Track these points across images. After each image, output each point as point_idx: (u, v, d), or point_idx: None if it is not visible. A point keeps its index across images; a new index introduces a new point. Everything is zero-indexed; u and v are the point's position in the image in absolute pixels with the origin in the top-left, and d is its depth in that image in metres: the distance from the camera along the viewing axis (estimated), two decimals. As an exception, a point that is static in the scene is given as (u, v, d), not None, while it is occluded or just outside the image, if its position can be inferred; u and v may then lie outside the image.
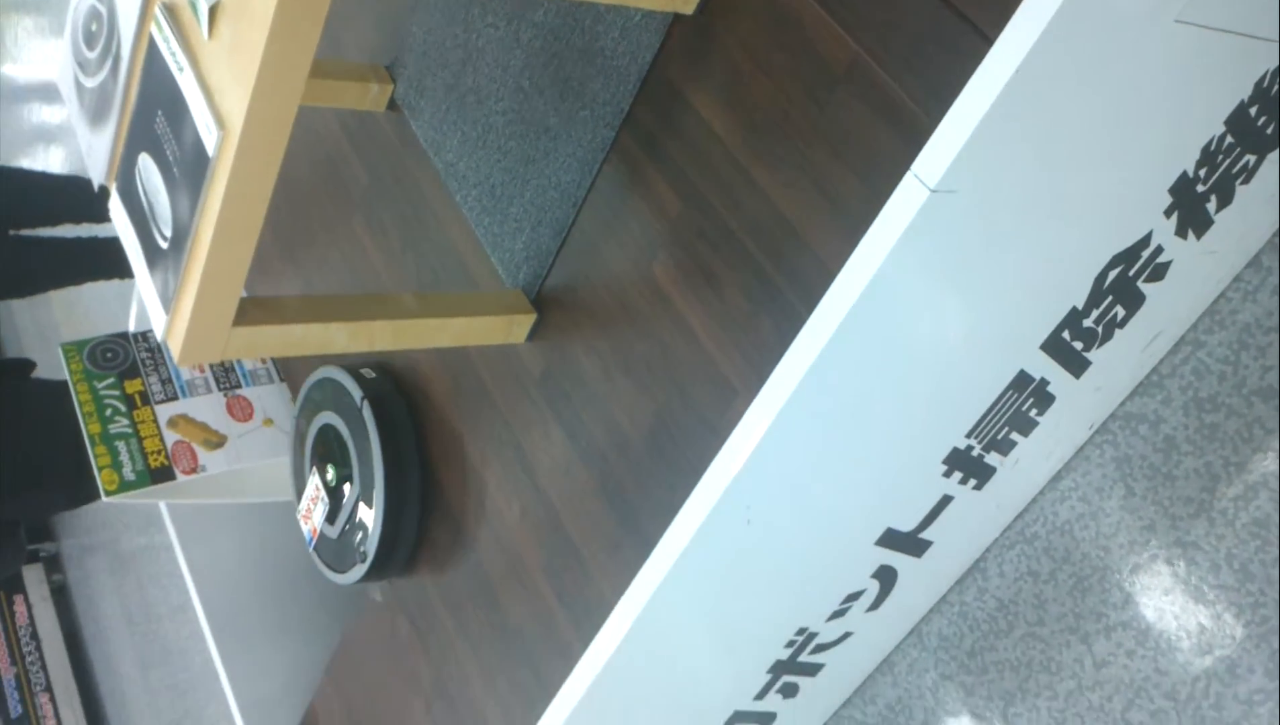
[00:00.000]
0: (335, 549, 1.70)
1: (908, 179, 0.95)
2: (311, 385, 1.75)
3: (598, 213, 1.36)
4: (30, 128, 5.78)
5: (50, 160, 5.31)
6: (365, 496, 1.61)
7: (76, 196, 3.17)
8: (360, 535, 1.63)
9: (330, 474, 1.71)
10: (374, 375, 1.66)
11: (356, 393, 1.62)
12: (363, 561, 1.62)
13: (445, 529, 1.64)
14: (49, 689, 5.35)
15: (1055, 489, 1.55)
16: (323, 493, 1.72)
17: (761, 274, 1.17)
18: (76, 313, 4.79)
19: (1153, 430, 1.46)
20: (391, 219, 1.67)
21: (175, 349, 1.23)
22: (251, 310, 1.25)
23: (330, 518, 1.71)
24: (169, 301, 1.22)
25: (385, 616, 1.79)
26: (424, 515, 1.63)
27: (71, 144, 4.94)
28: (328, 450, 1.71)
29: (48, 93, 5.51)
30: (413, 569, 1.70)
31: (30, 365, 2.92)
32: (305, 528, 1.76)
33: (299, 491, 1.81)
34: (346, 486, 1.66)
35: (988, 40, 0.94)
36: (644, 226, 1.30)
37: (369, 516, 1.61)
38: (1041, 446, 1.43)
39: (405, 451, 1.62)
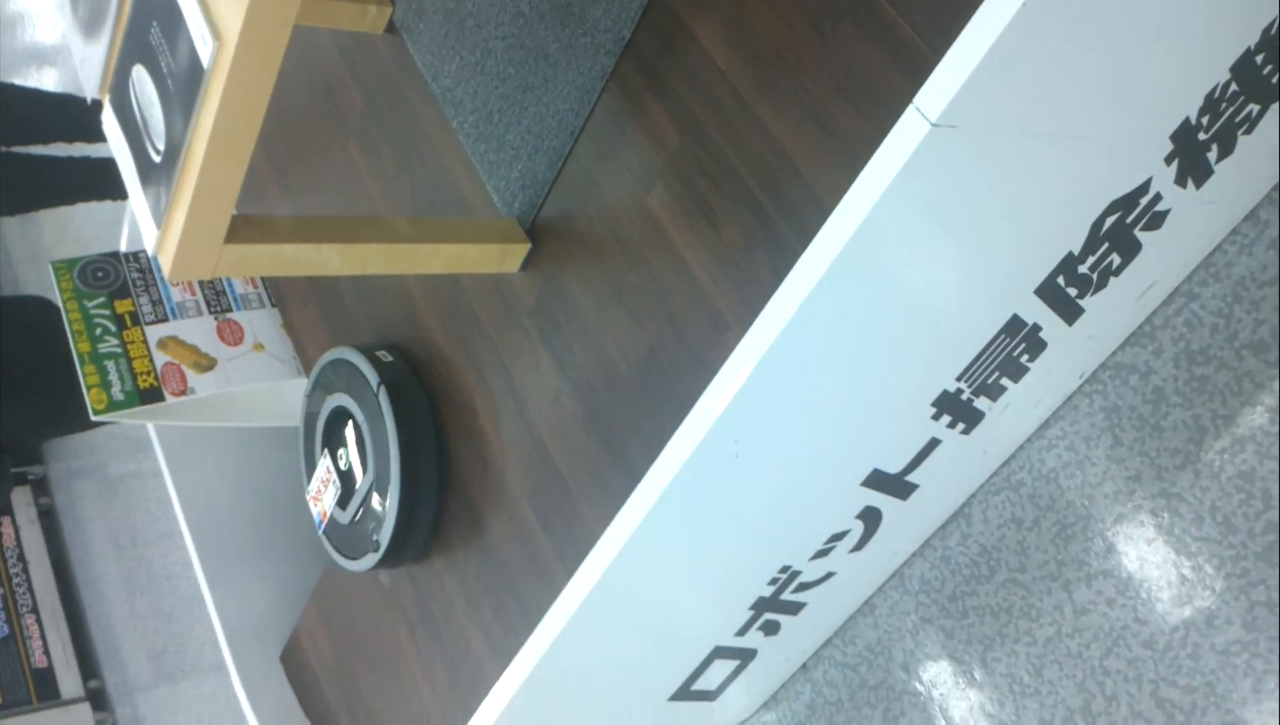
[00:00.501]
0: (347, 535, 1.68)
1: (909, 112, 0.94)
2: (325, 365, 1.72)
3: (595, 142, 1.35)
4: (24, 48, 5.71)
5: (44, 80, 5.25)
6: (379, 486, 1.60)
7: (69, 115, 3.14)
8: (373, 524, 1.61)
9: (343, 458, 1.68)
10: (390, 359, 1.64)
11: (373, 377, 1.60)
12: (375, 550, 1.61)
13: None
14: (35, 611, 5.38)
15: (1043, 437, 1.55)
16: (334, 476, 1.69)
17: (758, 208, 1.16)
18: (68, 235, 4.76)
19: (1143, 381, 1.46)
20: (387, 144, 1.66)
21: (166, 264, 1.23)
22: (244, 228, 1.24)
23: (342, 502, 1.69)
24: (160, 216, 1.21)
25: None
26: (440, 511, 1.61)
27: (65, 65, 4.89)
28: (340, 433, 1.69)
29: (41, 13, 5.43)
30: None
31: None
32: (315, 510, 1.74)
33: (309, 472, 1.78)
34: (359, 472, 1.64)
35: (995, -27, 0.92)
36: (642, 157, 1.29)
37: (383, 506, 1.59)
38: (1031, 393, 1.43)
39: (423, 442, 1.59)
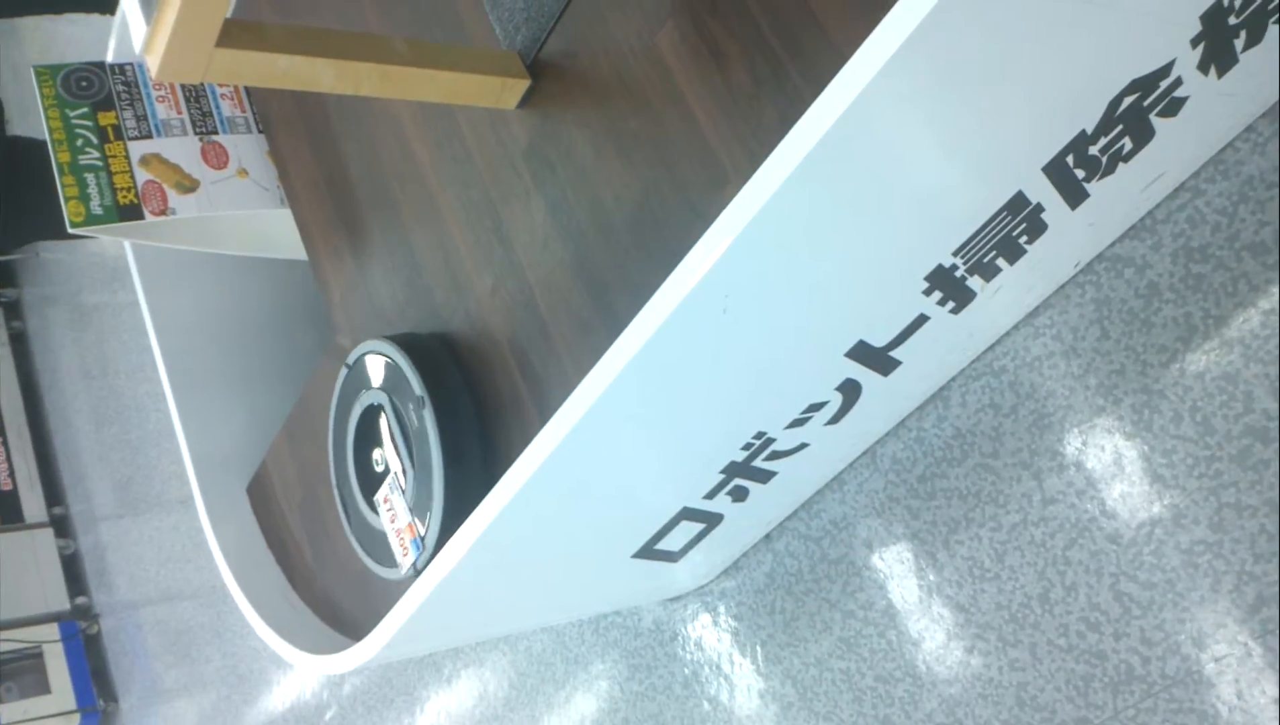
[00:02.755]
0: (379, 542, 1.63)
1: (938, -42, 0.90)
2: (363, 355, 1.64)
3: (606, -24, 1.30)
4: None
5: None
6: (419, 509, 1.54)
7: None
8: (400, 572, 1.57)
9: (379, 460, 1.62)
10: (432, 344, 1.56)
11: (418, 387, 1.52)
12: (412, 569, 1.56)
13: (412, 292, 1.62)
14: (2, 433, 5.38)
15: (1031, 324, 1.54)
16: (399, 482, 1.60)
17: (771, 55, 1.13)
18: (51, 55, 4.64)
19: (1138, 275, 1.44)
20: (390, -34, 1.60)
21: (154, 64, 1.18)
22: (236, 33, 1.19)
23: (377, 509, 1.62)
24: (151, 12, 1.17)
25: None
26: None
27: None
28: (374, 430, 1.62)
29: None
30: (379, 324, 1.68)
31: None
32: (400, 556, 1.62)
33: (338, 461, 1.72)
34: (399, 485, 1.58)
35: None
36: (653, -5, 1.24)
37: (423, 529, 1.54)
38: (1024, 278, 1.41)
39: (470, 465, 1.51)
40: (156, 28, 1.17)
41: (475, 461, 1.50)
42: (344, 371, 1.66)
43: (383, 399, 1.58)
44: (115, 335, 4.54)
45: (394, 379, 1.56)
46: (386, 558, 1.61)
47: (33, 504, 5.29)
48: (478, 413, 1.51)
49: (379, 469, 1.62)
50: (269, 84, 1.24)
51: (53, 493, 5.35)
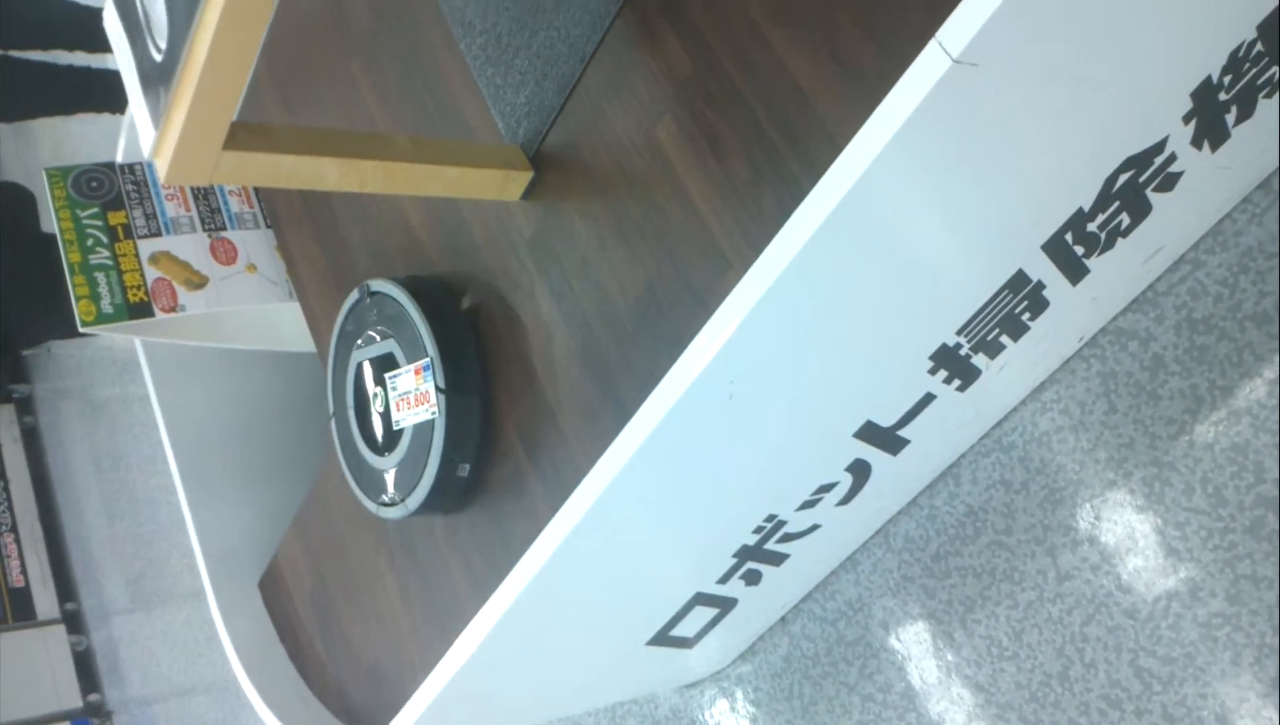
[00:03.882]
0: (374, 479, 1.63)
1: (930, 47, 0.92)
2: (374, 295, 1.61)
3: (605, 70, 1.32)
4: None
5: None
6: (409, 474, 1.54)
7: (73, 22, 3.09)
8: (416, 472, 1.54)
9: (379, 400, 1.60)
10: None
11: (433, 351, 1.49)
12: (397, 505, 1.55)
13: (422, 386, 1.63)
14: (14, 530, 5.37)
15: (1038, 399, 1.54)
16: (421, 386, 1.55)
17: (768, 143, 1.14)
18: (64, 152, 4.71)
19: (1142, 347, 1.45)
20: (391, 63, 1.63)
21: (162, 167, 1.20)
22: (243, 135, 1.21)
23: (378, 449, 1.60)
24: (159, 118, 1.19)
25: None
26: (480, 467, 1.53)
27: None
28: (379, 374, 1.59)
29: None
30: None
31: None
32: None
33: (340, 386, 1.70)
34: (399, 422, 1.56)
35: (1027, -91, 0.90)
36: (652, 87, 1.26)
37: (424, 463, 1.51)
38: (1029, 354, 1.42)
39: (471, 415, 1.49)
40: (164, 132, 1.19)
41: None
42: (357, 295, 1.63)
43: (393, 347, 1.56)
44: (126, 429, 4.55)
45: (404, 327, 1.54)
46: (378, 494, 1.60)
47: (45, 600, 5.27)
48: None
49: (379, 410, 1.60)
50: (276, 184, 1.26)
51: (65, 588, 5.32)
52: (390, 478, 1.58)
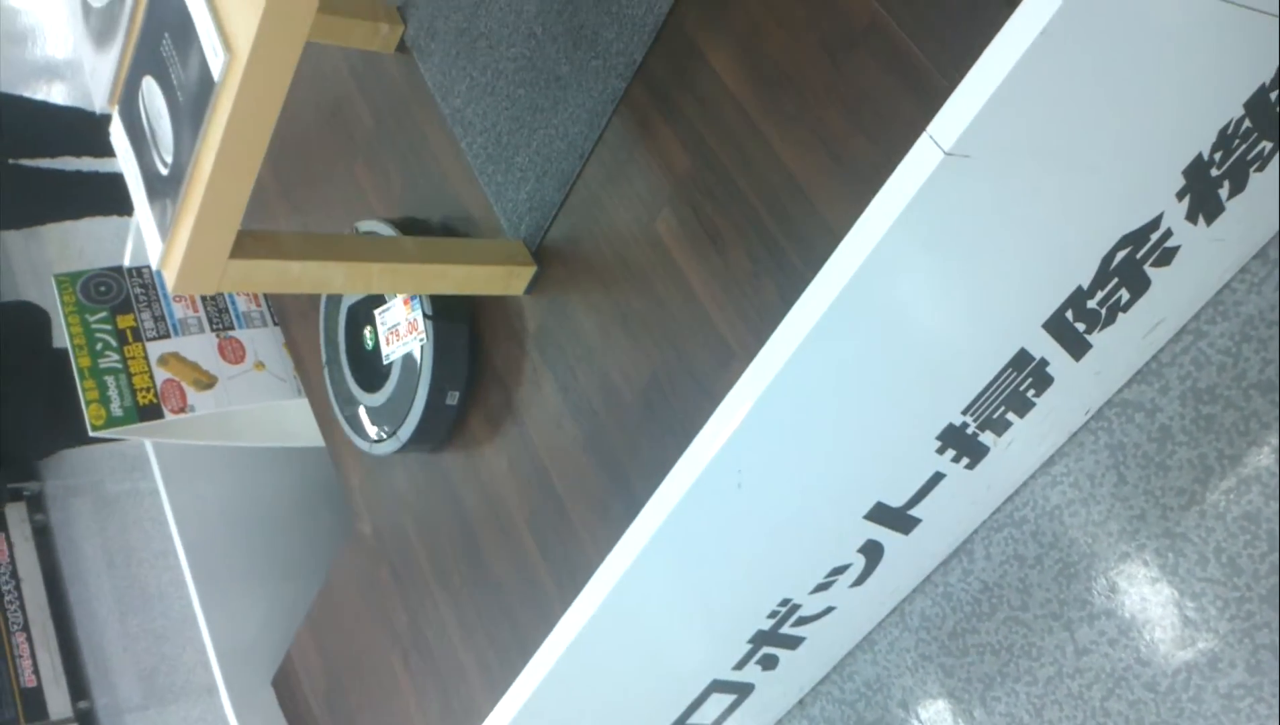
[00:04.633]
0: (358, 414, 1.67)
1: (922, 140, 0.94)
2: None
3: (604, 166, 1.34)
4: (34, 61, 5.73)
5: (53, 94, 5.27)
6: (398, 404, 1.56)
7: (78, 128, 3.14)
8: (404, 408, 1.58)
9: (369, 337, 1.63)
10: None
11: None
12: (389, 439, 1.58)
13: (429, 476, 1.63)
14: (26, 629, 5.34)
15: (1047, 473, 1.54)
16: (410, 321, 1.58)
17: (766, 235, 1.16)
18: (71, 250, 4.75)
19: (1149, 419, 1.45)
20: (394, 164, 1.65)
21: (170, 278, 1.22)
22: (249, 243, 1.23)
23: (368, 386, 1.64)
24: (166, 229, 1.21)
25: (366, 563, 1.78)
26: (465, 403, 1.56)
27: (75, 79, 4.90)
28: (369, 312, 1.62)
29: (52, 26, 5.46)
30: (398, 509, 1.69)
31: None
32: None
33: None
34: (387, 356, 1.59)
35: (1008, 2, 0.92)
36: (650, 181, 1.28)
37: (411, 399, 1.55)
38: (1036, 429, 1.42)
39: (456, 342, 1.52)
40: (171, 244, 1.21)
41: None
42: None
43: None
44: (137, 524, 4.54)
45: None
46: (359, 429, 1.64)
47: (58, 700, 5.22)
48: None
49: (369, 346, 1.63)
50: (283, 290, 1.28)
51: (78, 686, 5.28)
52: (381, 413, 1.60)
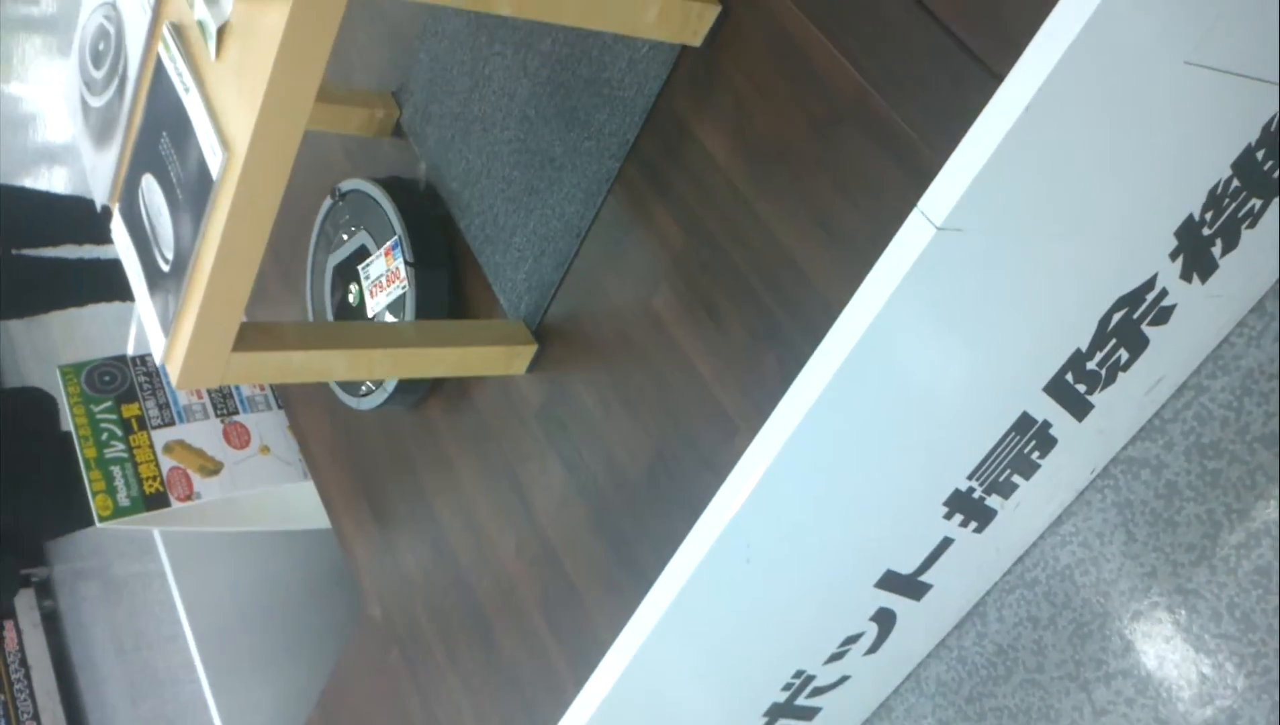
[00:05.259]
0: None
1: (914, 216, 0.94)
2: (349, 193, 1.68)
3: (601, 244, 1.35)
4: (34, 148, 5.80)
5: (54, 181, 5.32)
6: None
7: (79, 217, 3.17)
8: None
9: (353, 293, 1.66)
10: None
11: (398, 225, 1.57)
12: (377, 389, 1.62)
13: (438, 557, 1.63)
14: (36, 718, 5.30)
15: (1056, 533, 1.53)
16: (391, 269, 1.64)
17: (764, 309, 1.16)
18: (76, 336, 4.78)
19: (1155, 475, 1.45)
20: (394, 247, 1.67)
21: (174, 373, 1.22)
22: (251, 335, 1.24)
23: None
24: (169, 325, 1.22)
25: (377, 647, 1.77)
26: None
27: (75, 165, 4.96)
28: (353, 269, 1.67)
29: (52, 113, 5.53)
30: (407, 591, 1.68)
31: None
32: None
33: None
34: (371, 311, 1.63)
35: (993, 74, 0.93)
36: (647, 259, 1.29)
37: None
38: (1043, 490, 1.42)
39: (437, 287, 1.58)
40: (174, 340, 1.21)
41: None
42: (329, 201, 1.70)
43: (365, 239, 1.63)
44: (146, 608, 4.53)
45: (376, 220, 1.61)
46: (356, 388, 1.66)
47: (69, 788, 5.18)
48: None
49: (353, 302, 1.66)
50: (285, 380, 1.29)
51: (89, 774, 5.24)
52: None
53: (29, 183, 5.46)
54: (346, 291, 1.67)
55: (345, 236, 1.66)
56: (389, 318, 1.58)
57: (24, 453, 2.94)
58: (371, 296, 1.60)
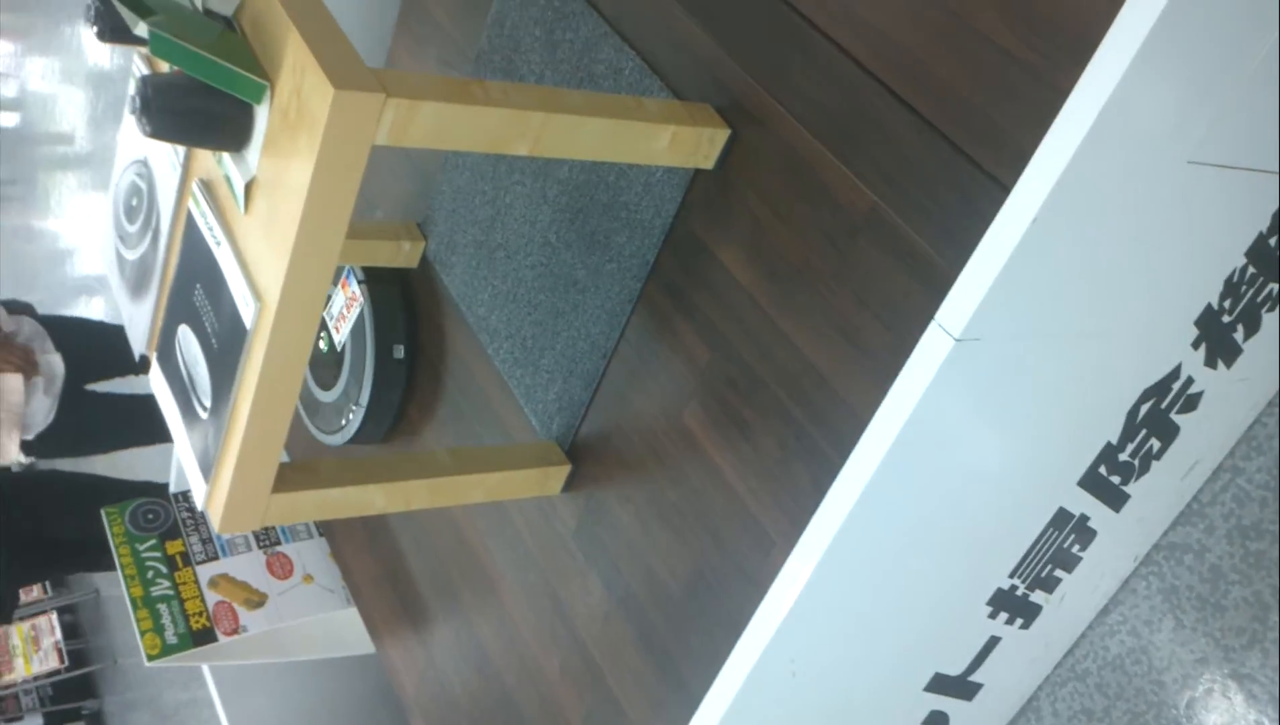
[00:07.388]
0: (325, 412, 1.79)
1: (932, 329, 0.96)
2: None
3: (627, 363, 1.38)
4: (73, 281, 5.92)
5: (91, 311, 5.42)
6: (354, 374, 1.70)
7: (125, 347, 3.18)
8: (350, 406, 1.72)
9: (323, 339, 1.76)
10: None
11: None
12: (345, 429, 1.71)
13: (483, 679, 1.63)
14: (90, 852, 5.27)
15: (1104, 623, 1.52)
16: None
17: (792, 422, 1.18)
18: (120, 465, 4.82)
19: (1198, 559, 1.44)
20: (425, 374, 1.70)
21: (216, 518, 1.25)
22: (290, 476, 1.26)
23: (324, 384, 1.77)
24: (209, 470, 1.24)
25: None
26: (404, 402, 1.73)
27: (112, 296, 5.04)
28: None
29: (88, 247, 5.64)
30: (454, 715, 1.68)
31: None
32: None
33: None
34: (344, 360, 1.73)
35: (1001, 186, 0.95)
36: (674, 376, 1.31)
37: (358, 393, 1.70)
38: (1087, 581, 1.41)
39: (393, 343, 1.70)
40: (215, 484, 1.24)
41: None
42: None
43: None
44: (197, 735, 4.51)
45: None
46: (335, 422, 1.76)
47: None
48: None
49: (324, 349, 1.76)
50: (325, 517, 1.31)
51: None
52: (339, 393, 1.74)
53: (69, 314, 5.55)
54: (317, 343, 1.77)
55: None
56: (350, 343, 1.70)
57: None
58: (336, 331, 1.72)
